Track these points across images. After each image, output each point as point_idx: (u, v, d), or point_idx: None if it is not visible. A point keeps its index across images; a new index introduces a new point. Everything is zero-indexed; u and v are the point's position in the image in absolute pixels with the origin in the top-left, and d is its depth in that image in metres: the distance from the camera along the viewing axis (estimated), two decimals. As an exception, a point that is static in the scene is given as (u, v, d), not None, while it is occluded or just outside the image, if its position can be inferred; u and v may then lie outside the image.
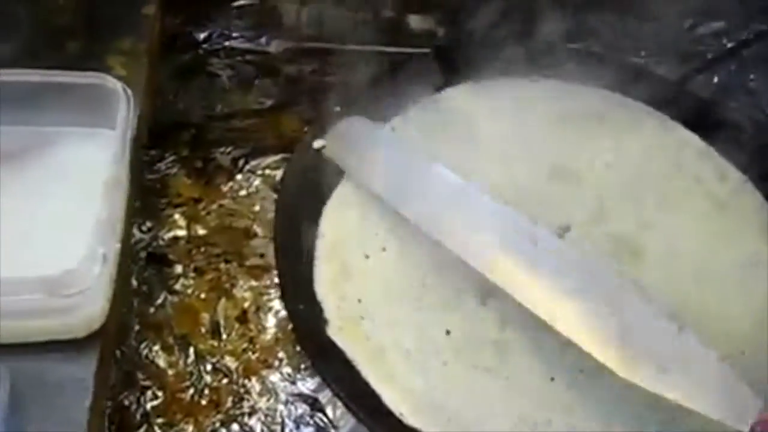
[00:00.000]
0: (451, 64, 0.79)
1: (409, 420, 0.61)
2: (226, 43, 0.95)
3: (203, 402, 0.71)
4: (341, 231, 0.70)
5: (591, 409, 0.63)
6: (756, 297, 0.70)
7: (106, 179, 0.54)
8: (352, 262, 0.69)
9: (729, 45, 0.94)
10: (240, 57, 0.95)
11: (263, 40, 0.95)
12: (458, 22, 0.86)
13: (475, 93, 0.80)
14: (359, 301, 0.67)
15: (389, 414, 0.62)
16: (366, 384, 0.63)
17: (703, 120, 0.79)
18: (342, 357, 0.64)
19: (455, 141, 0.76)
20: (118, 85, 0.60)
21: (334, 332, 0.65)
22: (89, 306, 0.53)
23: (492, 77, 0.80)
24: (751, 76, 0.92)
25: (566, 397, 0.64)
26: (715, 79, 0.93)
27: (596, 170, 0.76)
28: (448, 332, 0.66)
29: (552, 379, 0.64)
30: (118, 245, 0.55)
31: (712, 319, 0.67)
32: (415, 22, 0.96)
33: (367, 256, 0.69)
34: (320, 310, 0.66)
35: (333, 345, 0.64)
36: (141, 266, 0.78)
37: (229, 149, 0.87)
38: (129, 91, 0.60)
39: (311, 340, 0.64)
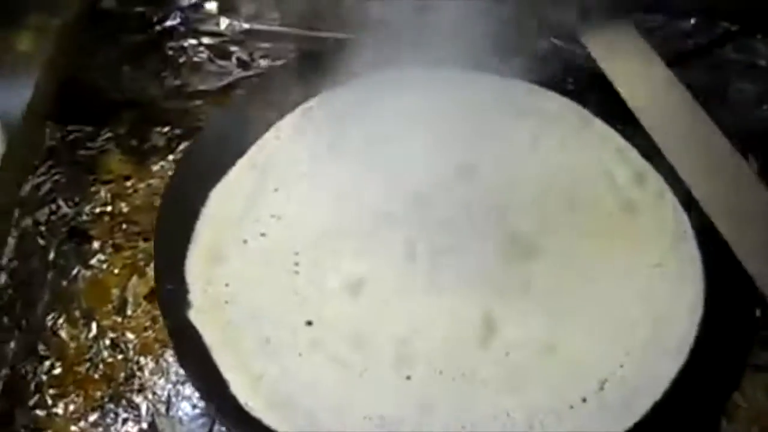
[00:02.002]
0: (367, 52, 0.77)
1: (254, 411, 0.61)
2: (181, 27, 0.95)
3: (96, 376, 0.72)
4: (224, 216, 0.70)
5: (445, 410, 0.61)
6: (649, 304, 0.66)
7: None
8: (229, 247, 0.68)
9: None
10: (194, 39, 0.94)
11: (218, 21, 0.94)
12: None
13: (394, 80, 0.77)
14: (227, 285, 0.66)
15: (236, 402, 0.61)
16: (217, 368, 0.62)
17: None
18: (200, 341, 0.63)
19: (366, 127, 0.75)
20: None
21: (194, 315, 0.64)
22: None
23: (409, 67, 0.77)
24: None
25: (421, 396, 0.61)
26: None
27: (504, 164, 0.73)
28: (309, 323, 0.65)
29: (408, 377, 0.62)
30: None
31: (595, 329, 0.64)
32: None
33: (245, 241, 0.69)
34: (186, 292, 0.65)
35: (194, 328, 0.64)
36: (61, 240, 0.80)
37: (165, 129, 0.87)
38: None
39: (174, 322, 0.64)
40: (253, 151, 0.73)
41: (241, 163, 0.73)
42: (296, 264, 0.67)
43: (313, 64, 0.79)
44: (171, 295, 0.65)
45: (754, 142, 0.81)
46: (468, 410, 0.61)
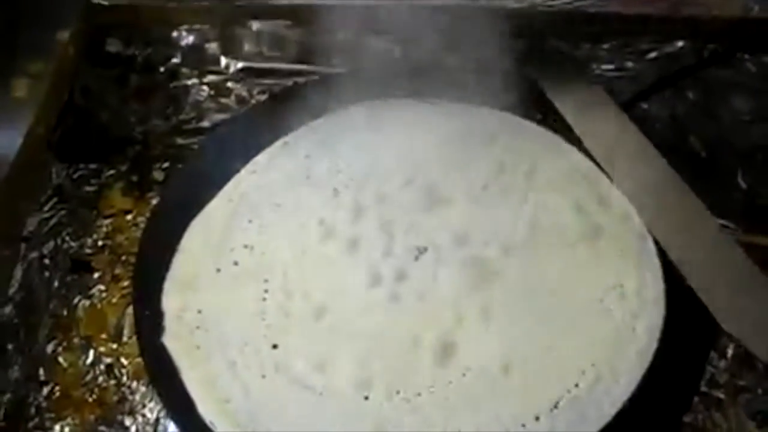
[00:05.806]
0: (351, 85, 0.80)
1: (218, 429, 0.63)
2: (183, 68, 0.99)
3: (90, 399, 0.76)
4: (200, 247, 0.74)
5: (399, 430, 0.63)
6: (606, 325, 0.67)
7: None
8: (203, 275, 0.72)
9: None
10: (195, 79, 0.99)
11: (219, 61, 0.99)
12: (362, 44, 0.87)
13: (370, 113, 0.80)
14: (199, 311, 0.70)
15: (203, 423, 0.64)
16: (186, 390, 0.65)
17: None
18: (172, 364, 0.67)
19: (337, 158, 0.78)
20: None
21: (167, 340, 0.68)
22: None
23: (391, 99, 0.81)
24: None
25: (378, 416, 0.63)
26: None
27: (472, 192, 0.75)
28: (275, 346, 0.67)
29: (366, 398, 0.64)
30: None
31: (552, 350, 0.65)
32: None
33: (218, 270, 0.72)
34: (161, 318, 0.69)
35: (166, 351, 0.67)
36: (64, 272, 0.84)
37: (165, 165, 0.92)
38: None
39: (149, 346, 0.68)
40: (230, 185, 0.77)
41: (219, 197, 0.76)
42: (265, 291, 0.70)
43: (290, 100, 0.82)
44: (148, 321, 0.69)
45: (744, 159, 0.83)
46: (421, 430, 0.62)
